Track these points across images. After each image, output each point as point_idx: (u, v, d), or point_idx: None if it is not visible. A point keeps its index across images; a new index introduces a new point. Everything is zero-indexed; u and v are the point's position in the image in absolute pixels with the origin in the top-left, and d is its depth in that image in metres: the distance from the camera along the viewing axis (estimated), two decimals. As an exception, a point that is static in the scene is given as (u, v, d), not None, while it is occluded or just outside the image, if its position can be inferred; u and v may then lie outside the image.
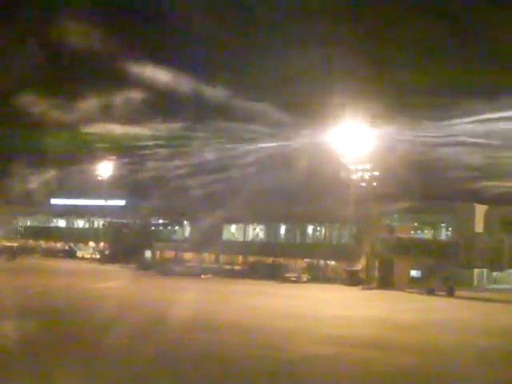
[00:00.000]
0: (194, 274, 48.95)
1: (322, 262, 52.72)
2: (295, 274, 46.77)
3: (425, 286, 40.29)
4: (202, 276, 48.73)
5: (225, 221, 62.45)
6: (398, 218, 49.60)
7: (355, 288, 42.10)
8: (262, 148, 52.01)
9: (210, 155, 59.89)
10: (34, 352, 15.50)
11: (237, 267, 56.89)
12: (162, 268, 50.55)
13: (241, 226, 62.99)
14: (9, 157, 65.62)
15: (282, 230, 60.79)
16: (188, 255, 62.85)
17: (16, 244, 70.25)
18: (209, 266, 55.62)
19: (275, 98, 46.98)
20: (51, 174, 67.96)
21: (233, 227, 64.53)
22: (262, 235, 62.29)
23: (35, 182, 70.36)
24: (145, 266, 55.46)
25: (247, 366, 15.61)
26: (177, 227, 66.46)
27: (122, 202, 70.87)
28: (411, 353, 18.34)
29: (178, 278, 46.12)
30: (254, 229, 63.05)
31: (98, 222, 74.63)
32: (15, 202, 73.04)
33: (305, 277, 46.53)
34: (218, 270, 53.79)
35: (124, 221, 66.22)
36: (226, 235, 63.58)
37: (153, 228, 65.86)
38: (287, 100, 47.03)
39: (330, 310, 29.70)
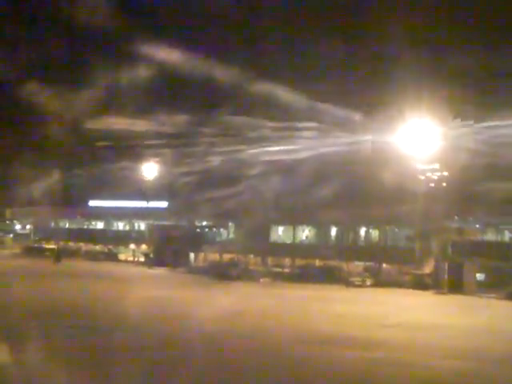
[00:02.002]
0: (252, 277, 47.81)
1: (379, 265, 51.26)
2: (359, 278, 45.41)
3: (494, 290, 38.97)
4: (261, 280, 47.56)
5: (272, 222, 61.31)
6: (461, 219, 48.12)
7: (426, 292, 40.77)
8: (316, 147, 50.39)
9: (257, 153, 58.12)
10: None
11: (286, 270, 55.39)
12: (218, 272, 49.23)
13: (289, 227, 61.66)
14: (45, 157, 64.73)
15: (333, 231, 59.41)
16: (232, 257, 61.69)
17: (56, 246, 69.52)
18: (260, 269, 54.22)
19: (337, 94, 45.26)
20: (90, 174, 67.03)
21: (280, 229, 63.23)
22: (311, 237, 61.00)
23: (72, 182, 69.70)
24: (195, 270, 54.27)
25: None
26: (221, 229, 65.17)
27: (163, 204, 69.59)
28: None
29: (238, 282, 44.96)
30: (303, 230, 61.76)
31: (138, 224, 73.71)
32: (53, 203, 72.36)
33: (369, 281, 45.15)
34: (267, 272, 52.36)
35: (168, 223, 65.08)
36: (272, 237, 62.37)
37: (198, 230, 64.63)
38: (350, 96, 45.31)
39: (423, 317, 28.42)
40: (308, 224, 59.96)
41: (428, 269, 43.58)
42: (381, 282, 45.20)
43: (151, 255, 62.67)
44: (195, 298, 32.72)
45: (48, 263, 58.29)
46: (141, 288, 36.89)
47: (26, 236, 76.51)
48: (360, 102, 44.76)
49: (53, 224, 76.88)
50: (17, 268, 48.32)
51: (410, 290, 42.10)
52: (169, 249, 59.33)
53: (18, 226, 79.82)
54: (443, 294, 39.85)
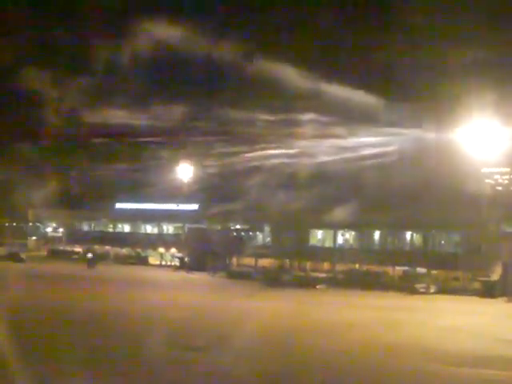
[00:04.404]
0: (306, 283, 45.95)
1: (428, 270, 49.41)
2: (423, 285, 43.64)
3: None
4: (318, 287, 45.70)
5: (311, 226, 59.51)
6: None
7: (496, 300, 39.12)
8: (370, 146, 48.24)
9: (296, 154, 55.80)
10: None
11: (328, 275, 53.16)
12: (268, 278, 47.29)
13: (329, 231, 59.77)
14: (71, 158, 62.56)
15: (376, 235, 57.63)
16: (267, 262, 59.82)
17: (85, 250, 67.46)
18: (308, 275, 52.27)
19: (395, 90, 43.30)
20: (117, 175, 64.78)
21: (319, 233, 61.41)
22: (352, 241, 59.22)
23: (100, 184, 67.53)
24: (237, 275, 52.27)
25: None
26: (257, 232, 63.28)
27: (193, 207, 67.40)
28: None
29: (293, 289, 43.03)
30: (343, 234, 59.97)
31: (167, 227, 71.67)
32: (79, 206, 70.37)
33: (432, 288, 43.37)
34: (320, 279, 50.23)
35: (205, 226, 63.03)
36: (311, 241, 60.60)
37: (235, 234, 62.64)
38: (410, 93, 43.36)
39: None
40: (351, 228, 57.90)
41: (496, 276, 41.86)
42: (443, 289, 43.46)
43: (187, 259, 60.74)
44: (276, 308, 30.71)
45: (81, 268, 56.04)
46: (205, 297, 34.97)
47: (55, 239, 74.34)
48: (421, 100, 42.95)
49: (80, 227, 74.84)
50: (54, 274, 46.26)
51: (477, 298, 40.48)
52: (208, 253, 57.23)
53: (49, 229, 77.40)
54: (516, 301, 38.18)
